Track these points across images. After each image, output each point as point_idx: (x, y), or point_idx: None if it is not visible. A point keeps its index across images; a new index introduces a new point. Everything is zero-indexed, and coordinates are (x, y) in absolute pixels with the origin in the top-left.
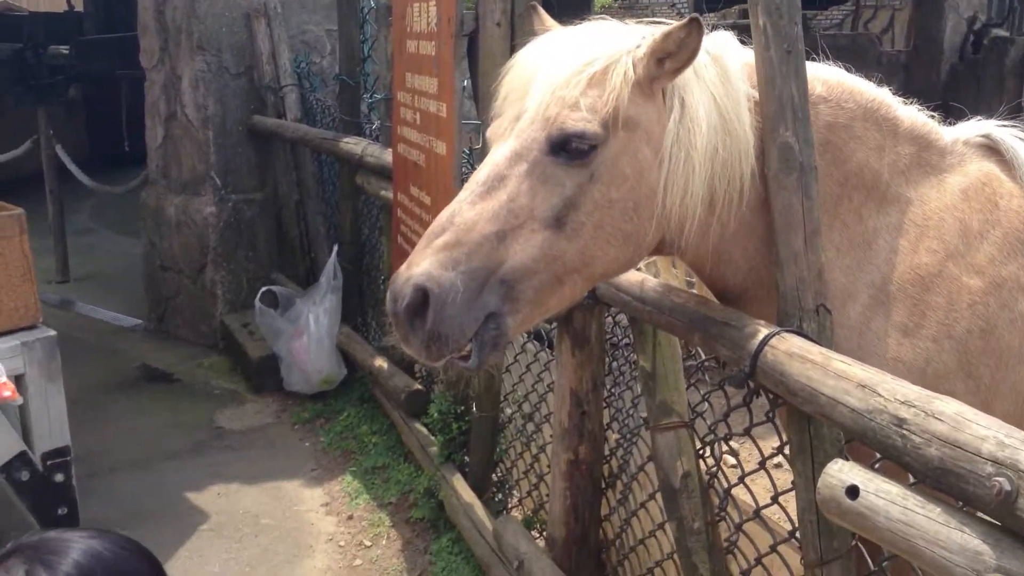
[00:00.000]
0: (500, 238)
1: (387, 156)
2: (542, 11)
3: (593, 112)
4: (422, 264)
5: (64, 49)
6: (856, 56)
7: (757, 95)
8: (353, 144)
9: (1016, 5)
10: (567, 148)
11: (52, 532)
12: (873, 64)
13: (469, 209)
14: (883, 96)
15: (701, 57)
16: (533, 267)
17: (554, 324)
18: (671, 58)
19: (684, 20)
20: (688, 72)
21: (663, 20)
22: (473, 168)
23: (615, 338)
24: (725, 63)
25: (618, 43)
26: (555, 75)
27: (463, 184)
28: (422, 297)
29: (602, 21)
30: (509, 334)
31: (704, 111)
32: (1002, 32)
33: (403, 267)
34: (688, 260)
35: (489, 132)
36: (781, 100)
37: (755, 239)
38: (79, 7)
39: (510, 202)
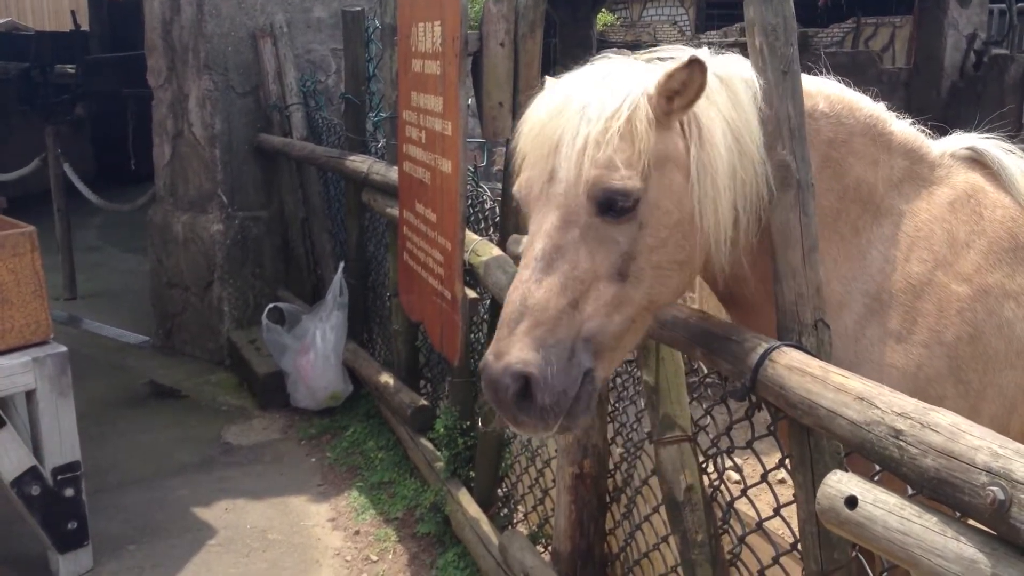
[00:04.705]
0: (573, 306)
1: (393, 174)
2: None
3: (630, 168)
4: (512, 352)
5: (70, 68)
6: (856, 73)
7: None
8: (359, 162)
9: (1016, 23)
10: (613, 207)
11: None
12: (873, 81)
13: (537, 288)
14: (880, 111)
15: (711, 82)
16: (608, 320)
17: None
18: (678, 96)
19: (684, 61)
20: (701, 98)
21: (668, 52)
22: (478, 186)
23: None
24: (734, 86)
25: (631, 87)
26: (583, 134)
27: (467, 201)
28: (523, 383)
29: (605, 62)
30: (599, 386)
31: (720, 134)
32: (1002, 50)
33: (491, 356)
34: (705, 276)
35: (519, 190)
36: (778, 119)
37: (763, 255)
38: (85, 26)
39: (573, 270)
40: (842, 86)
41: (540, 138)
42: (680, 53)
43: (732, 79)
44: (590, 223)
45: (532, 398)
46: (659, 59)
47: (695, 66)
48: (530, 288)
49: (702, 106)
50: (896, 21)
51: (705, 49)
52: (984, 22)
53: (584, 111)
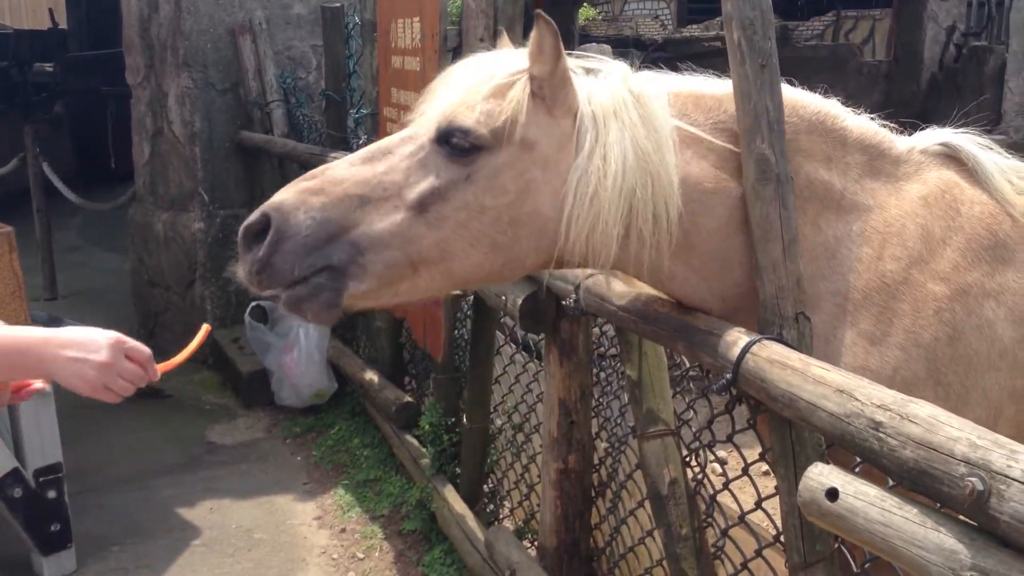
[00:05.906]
0: (362, 202)
1: None
2: (505, 36)
3: (487, 116)
4: (279, 195)
5: (49, 67)
6: (837, 67)
7: (689, 127)
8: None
9: (995, 14)
10: (450, 141)
11: None
12: (854, 75)
13: (345, 169)
14: (828, 107)
15: (623, 95)
16: (386, 240)
17: (542, 335)
18: (539, 61)
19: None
20: (608, 112)
21: (594, 61)
22: None
23: (602, 348)
24: (649, 103)
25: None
26: (465, 83)
27: None
28: (264, 223)
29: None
30: (345, 295)
31: (619, 151)
32: (981, 42)
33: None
34: (632, 275)
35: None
36: (756, 113)
37: (704, 258)
38: (63, 24)
39: (384, 175)
40: (785, 85)
41: (439, 86)
42: (604, 64)
43: (646, 95)
44: (425, 145)
45: (261, 244)
46: (584, 68)
47: (539, 20)
48: (339, 166)
49: (608, 120)
50: (876, 14)
51: (624, 62)
52: (963, 14)
53: (480, 68)
